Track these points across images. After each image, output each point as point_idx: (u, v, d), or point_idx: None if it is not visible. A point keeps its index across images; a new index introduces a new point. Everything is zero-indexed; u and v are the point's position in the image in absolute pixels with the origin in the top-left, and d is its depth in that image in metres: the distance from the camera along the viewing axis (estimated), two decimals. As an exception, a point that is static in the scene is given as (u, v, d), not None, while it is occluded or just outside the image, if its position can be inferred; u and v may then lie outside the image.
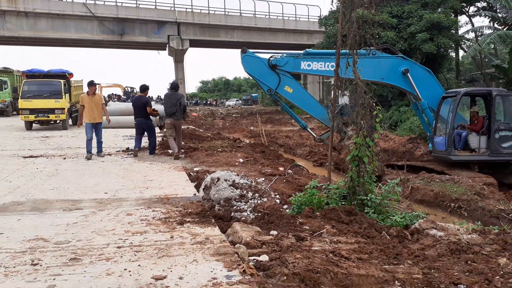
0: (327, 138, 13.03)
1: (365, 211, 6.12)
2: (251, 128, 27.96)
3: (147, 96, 12.39)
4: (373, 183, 6.50)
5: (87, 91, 11.82)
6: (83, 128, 12.24)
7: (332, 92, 8.72)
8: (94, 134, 11.66)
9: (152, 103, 14.17)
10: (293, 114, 13.44)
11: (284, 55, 12.37)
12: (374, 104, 6.90)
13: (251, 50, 12.49)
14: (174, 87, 11.90)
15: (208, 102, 71.41)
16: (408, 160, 13.57)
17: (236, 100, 70.04)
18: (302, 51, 12.70)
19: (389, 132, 20.25)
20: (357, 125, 6.69)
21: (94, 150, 11.62)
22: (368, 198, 6.23)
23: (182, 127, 13.02)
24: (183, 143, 12.82)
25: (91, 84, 11.84)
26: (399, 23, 24.81)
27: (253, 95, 74.26)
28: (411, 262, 4.46)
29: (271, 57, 12.18)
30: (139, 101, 12.06)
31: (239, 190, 6.97)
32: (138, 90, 15.91)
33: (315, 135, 13.21)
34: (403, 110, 23.20)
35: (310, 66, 12.07)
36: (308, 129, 13.32)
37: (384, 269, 4.12)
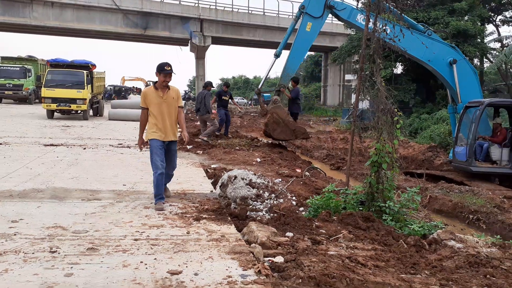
0: (264, 92, 13.45)
1: (383, 218, 6.05)
2: (269, 127, 27.80)
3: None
4: (392, 190, 6.42)
5: (155, 83, 6.27)
6: (103, 119, 12.07)
7: (354, 95, 8.68)
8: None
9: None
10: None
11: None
12: (396, 110, 6.81)
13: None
14: (205, 85, 14.58)
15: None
16: (427, 169, 13.40)
17: (241, 98, 63.90)
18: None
19: (409, 139, 19.98)
20: (377, 130, 6.62)
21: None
22: (387, 205, 6.15)
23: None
24: (205, 138, 13.93)
25: (166, 70, 5.97)
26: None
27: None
28: (428, 273, 4.39)
29: None
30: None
31: (256, 189, 6.94)
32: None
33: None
34: (424, 118, 22.90)
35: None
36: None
37: (401, 278, 4.07)
